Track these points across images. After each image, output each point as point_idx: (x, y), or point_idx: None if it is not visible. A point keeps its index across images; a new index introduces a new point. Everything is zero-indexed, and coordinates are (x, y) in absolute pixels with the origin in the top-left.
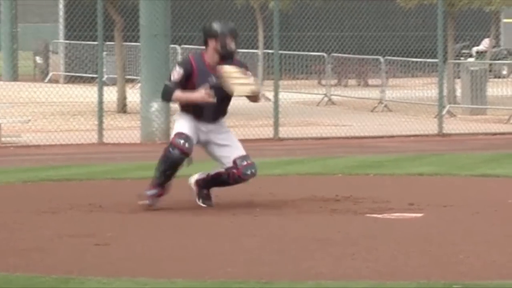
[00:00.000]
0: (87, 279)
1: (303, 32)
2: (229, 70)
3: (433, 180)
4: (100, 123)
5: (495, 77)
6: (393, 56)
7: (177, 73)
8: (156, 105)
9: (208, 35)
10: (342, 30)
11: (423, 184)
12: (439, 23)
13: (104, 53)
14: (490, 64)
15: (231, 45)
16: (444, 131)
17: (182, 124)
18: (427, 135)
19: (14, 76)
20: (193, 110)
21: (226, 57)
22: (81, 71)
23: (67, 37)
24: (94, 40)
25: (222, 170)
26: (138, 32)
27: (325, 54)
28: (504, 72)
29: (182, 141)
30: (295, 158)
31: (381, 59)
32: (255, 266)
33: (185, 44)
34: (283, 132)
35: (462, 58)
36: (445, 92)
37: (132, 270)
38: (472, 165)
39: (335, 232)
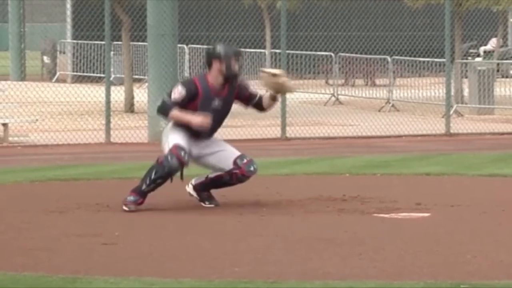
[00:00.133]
0: (94, 278)
1: (310, 32)
2: (269, 71)
3: (440, 180)
4: (108, 122)
5: (502, 76)
6: (401, 55)
7: (178, 93)
8: None
9: (212, 57)
10: (350, 30)
11: (430, 184)
12: (447, 22)
13: (112, 52)
14: (498, 64)
15: (236, 67)
16: (452, 131)
17: (178, 137)
18: (434, 135)
19: (22, 75)
20: (190, 128)
21: (231, 79)
22: (88, 70)
23: (75, 37)
24: (101, 40)
25: (223, 172)
26: (146, 32)
27: (332, 54)
28: None
29: (182, 152)
30: (302, 158)
31: (389, 58)
32: (262, 265)
33: (192, 43)
34: (290, 131)
35: (469, 57)
36: (452, 92)
37: (139, 269)
38: (479, 165)
39: (342, 232)
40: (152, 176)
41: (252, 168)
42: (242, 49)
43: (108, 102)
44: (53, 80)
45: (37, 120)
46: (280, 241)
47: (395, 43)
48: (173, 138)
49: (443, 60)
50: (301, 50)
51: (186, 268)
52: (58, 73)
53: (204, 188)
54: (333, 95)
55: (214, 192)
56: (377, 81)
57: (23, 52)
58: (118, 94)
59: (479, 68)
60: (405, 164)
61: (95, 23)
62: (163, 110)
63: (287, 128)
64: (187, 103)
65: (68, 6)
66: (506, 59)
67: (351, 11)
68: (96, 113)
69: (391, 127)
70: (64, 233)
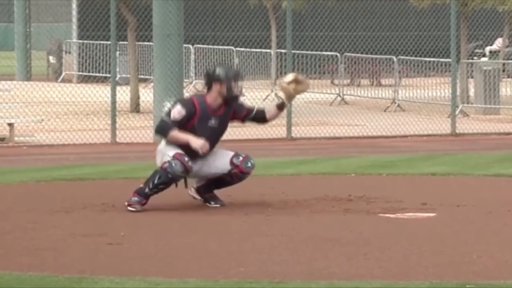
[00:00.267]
0: (99, 278)
1: (316, 32)
2: (287, 81)
3: (446, 180)
4: (113, 122)
5: (508, 76)
6: (406, 55)
7: (178, 112)
8: (169, 105)
9: (213, 80)
10: (355, 30)
11: (436, 184)
12: (452, 22)
13: (117, 52)
14: (504, 64)
15: (236, 89)
16: (457, 131)
17: (178, 149)
18: (440, 135)
19: (28, 75)
20: (187, 147)
21: (231, 101)
22: (94, 70)
23: (80, 36)
24: (107, 40)
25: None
26: (151, 32)
27: (338, 54)
28: None
29: (185, 158)
30: (308, 158)
31: (394, 59)
32: (268, 265)
33: (198, 43)
34: (296, 131)
35: (475, 57)
36: (458, 92)
37: (145, 269)
38: (485, 165)
39: (348, 232)
40: (155, 181)
41: (249, 164)
42: (248, 49)
43: (113, 102)
44: (59, 80)
45: (42, 120)
46: (286, 241)
47: (401, 43)
48: (173, 150)
49: (449, 60)
50: (307, 50)
51: (191, 268)
52: (64, 73)
53: (206, 190)
54: (338, 95)
55: (220, 192)
56: (383, 81)
57: (29, 52)
58: (123, 94)
59: (485, 68)
60: (410, 164)
61: (101, 23)
62: (163, 130)
63: (293, 128)
64: (185, 122)
65: (74, 6)
66: None
67: (356, 11)
68: (102, 113)
69: (397, 127)
70: (70, 233)
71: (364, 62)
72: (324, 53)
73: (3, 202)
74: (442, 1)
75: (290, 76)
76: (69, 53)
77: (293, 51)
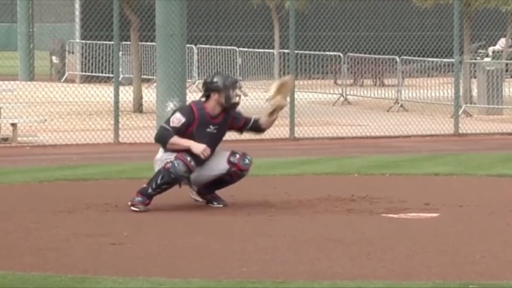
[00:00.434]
0: (102, 278)
1: (319, 32)
2: (272, 94)
3: (449, 180)
4: (116, 122)
5: (511, 77)
6: (409, 56)
7: (178, 120)
8: (171, 105)
9: (211, 89)
10: (358, 30)
11: (439, 184)
12: (455, 23)
13: (120, 53)
14: (507, 64)
15: (234, 97)
16: (460, 131)
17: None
18: (443, 135)
19: (31, 76)
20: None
21: (229, 109)
22: (97, 71)
23: (83, 37)
24: (110, 40)
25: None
26: (154, 32)
27: (341, 54)
28: None
29: (188, 158)
30: (311, 158)
31: (397, 59)
32: (271, 265)
33: (201, 44)
34: (299, 131)
35: (478, 58)
36: (461, 92)
37: (148, 269)
38: (488, 165)
39: (351, 232)
40: (158, 181)
41: (247, 161)
42: (251, 49)
43: (116, 102)
44: (62, 80)
45: (45, 120)
46: (289, 241)
47: (404, 43)
48: (173, 155)
49: (452, 60)
50: (310, 50)
51: (194, 268)
52: (66, 73)
53: (208, 191)
54: (341, 95)
55: (222, 192)
56: (386, 81)
57: (31, 52)
58: (126, 94)
59: (487, 68)
60: (413, 164)
61: (103, 23)
62: (163, 137)
63: (296, 128)
64: (184, 130)
65: (77, 6)
66: None
67: (359, 11)
68: (105, 113)
69: (400, 127)
70: (73, 233)
71: (367, 62)
72: (327, 53)
73: (6, 202)
74: (445, 1)
75: (272, 89)
76: (72, 53)
77: (296, 51)
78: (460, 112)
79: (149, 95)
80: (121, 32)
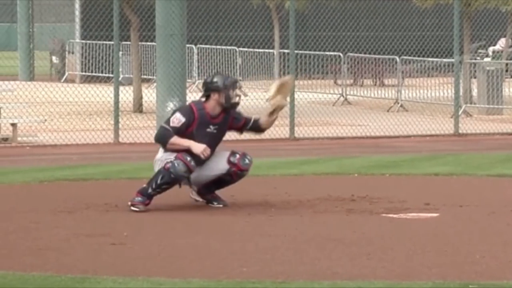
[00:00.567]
0: (102, 278)
1: (319, 32)
2: (272, 94)
3: (449, 180)
4: (116, 122)
5: (511, 77)
6: (409, 56)
7: (178, 120)
8: (171, 105)
9: (211, 89)
10: (358, 30)
11: (439, 184)
12: (455, 23)
13: (120, 53)
14: (507, 64)
15: (234, 97)
16: (460, 131)
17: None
18: (443, 135)
19: (31, 76)
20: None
21: (229, 109)
22: (97, 71)
23: (83, 37)
24: (110, 40)
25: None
26: (154, 32)
27: (341, 54)
28: None
29: (188, 158)
30: (311, 158)
31: (397, 59)
32: (271, 265)
33: (201, 44)
34: (299, 132)
35: (478, 58)
36: (461, 92)
37: (148, 269)
38: (488, 165)
39: (351, 232)
40: (158, 181)
41: (247, 161)
42: (251, 49)
43: (116, 102)
44: (62, 80)
45: (45, 120)
46: (289, 241)
47: (404, 43)
48: (173, 155)
49: (452, 60)
50: (310, 50)
51: (194, 268)
52: (66, 73)
53: (208, 191)
54: (341, 95)
55: (222, 192)
56: (386, 81)
57: (31, 52)
58: (126, 94)
59: (488, 68)
60: (413, 164)
61: (103, 23)
62: (163, 137)
63: (296, 128)
64: (184, 130)
65: (77, 6)
66: None
67: (359, 11)
68: (105, 113)
69: (400, 127)
70: (73, 233)
71: (367, 62)
72: (327, 53)
73: (6, 202)
74: (445, 1)
75: (272, 89)
76: (72, 53)
77: (296, 51)
78: (460, 112)
79: (149, 95)
80: (121, 32)
